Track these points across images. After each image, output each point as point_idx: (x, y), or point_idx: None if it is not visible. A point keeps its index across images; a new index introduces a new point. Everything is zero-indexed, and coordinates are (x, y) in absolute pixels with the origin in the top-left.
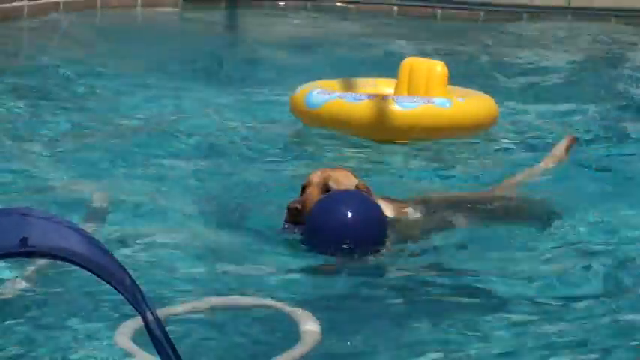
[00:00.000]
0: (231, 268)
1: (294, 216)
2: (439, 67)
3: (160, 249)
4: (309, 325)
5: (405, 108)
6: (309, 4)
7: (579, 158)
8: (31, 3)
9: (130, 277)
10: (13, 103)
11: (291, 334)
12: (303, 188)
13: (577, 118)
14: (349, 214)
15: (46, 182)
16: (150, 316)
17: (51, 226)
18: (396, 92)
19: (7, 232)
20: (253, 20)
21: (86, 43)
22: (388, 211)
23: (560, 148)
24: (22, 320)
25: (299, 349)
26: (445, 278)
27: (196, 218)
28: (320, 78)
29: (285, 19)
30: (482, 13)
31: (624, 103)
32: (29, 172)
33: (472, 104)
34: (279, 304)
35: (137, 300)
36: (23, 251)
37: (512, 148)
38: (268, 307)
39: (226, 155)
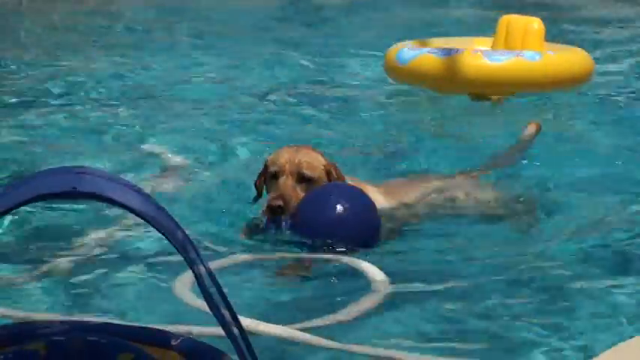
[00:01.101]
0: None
1: (277, 214)
2: (536, 24)
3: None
4: (378, 276)
5: (493, 61)
6: None
7: None
8: None
9: (183, 231)
10: None
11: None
12: (274, 175)
13: None
14: (345, 213)
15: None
16: (202, 270)
17: (106, 179)
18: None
19: (69, 179)
20: None
21: None
22: (380, 198)
23: (526, 135)
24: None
25: (373, 297)
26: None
27: None
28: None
29: None
30: None
31: None
32: None
33: (564, 58)
34: (342, 257)
35: (189, 253)
36: (84, 193)
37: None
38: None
39: None
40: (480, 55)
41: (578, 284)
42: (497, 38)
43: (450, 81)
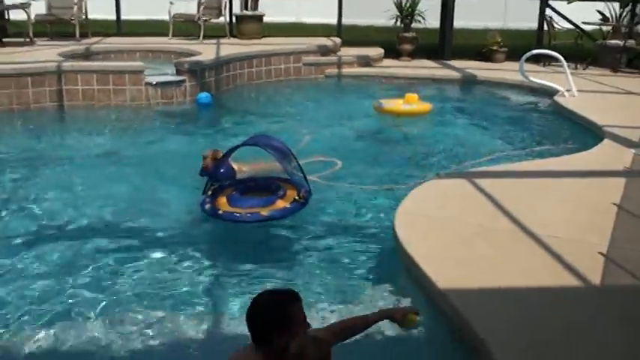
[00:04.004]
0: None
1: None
2: (416, 96)
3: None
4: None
5: (405, 107)
6: None
7: None
8: None
9: (303, 175)
10: None
11: None
12: (204, 157)
13: None
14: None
15: None
16: (307, 190)
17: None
18: None
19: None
20: None
21: None
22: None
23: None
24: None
25: None
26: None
27: None
28: None
29: None
30: None
31: None
32: None
33: (423, 105)
34: None
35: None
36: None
37: None
38: None
39: None
40: (402, 104)
41: None
42: (404, 99)
43: (394, 112)
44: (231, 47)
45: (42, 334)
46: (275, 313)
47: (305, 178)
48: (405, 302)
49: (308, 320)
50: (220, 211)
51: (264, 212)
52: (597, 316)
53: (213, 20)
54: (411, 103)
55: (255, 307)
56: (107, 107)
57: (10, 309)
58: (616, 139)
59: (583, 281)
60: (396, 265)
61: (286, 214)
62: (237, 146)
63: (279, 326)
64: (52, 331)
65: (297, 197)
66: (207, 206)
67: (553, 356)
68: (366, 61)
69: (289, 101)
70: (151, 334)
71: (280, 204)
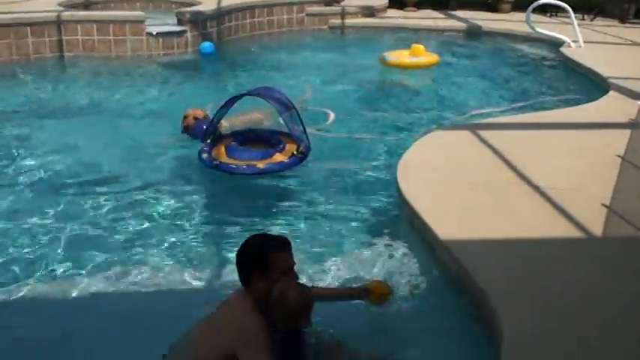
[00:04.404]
0: None
1: (186, 130)
2: (422, 47)
3: None
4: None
5: (412, 60)
6: None
7: None
8: None
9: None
10: None
11: None
12: (185, 117)
13: None
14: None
15: None
16: (306, 145)
17: (270, 90)
18: None
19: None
20: None
21: None
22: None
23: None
24: None
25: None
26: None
27: None
28: None
29: None
30: None
31: None
32: None
33: (431, 57)
34: None
35: (300, 134)
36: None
37: None
38: None
39: None
40: (407, 56)
41: None
42: (411, 51)
43: (400, 65)
44: None
45: (36, 283)
46: (257, 256)
47: (305, 131)
48: (407, 254)
49: (306, 273)
50: (217, 162)
51: (261, 165)
52: (598, 267)
53: None
54: (418, 54)
55: (242, 247)
56: (107, 58)
57: (6, 258)
58: (622, 90)
59: (585, 232)
60: (397, 216)
61: (284, 167)
62: (238, 97)
63: (259, 269)
64: (46, 280)
65: (295, 152)
66: (205, 156)
67: (553, 307)
68: (370, 12)
69: (292, 52)
70: (147, 282)
71: (278, 157)
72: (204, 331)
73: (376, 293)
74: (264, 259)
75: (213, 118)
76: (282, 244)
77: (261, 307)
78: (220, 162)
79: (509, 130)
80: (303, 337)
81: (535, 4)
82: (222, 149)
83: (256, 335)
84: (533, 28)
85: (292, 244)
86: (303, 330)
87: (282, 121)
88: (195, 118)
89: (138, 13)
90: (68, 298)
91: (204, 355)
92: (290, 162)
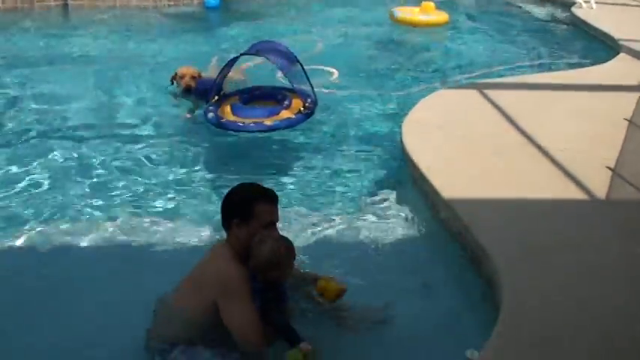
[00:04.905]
0: None
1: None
2: (432, 4)
3: None
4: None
5: (423, 17)
6: None
7: None
8: None
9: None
10: None
11: None
12: (181, 77)
13: None
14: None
15: None
16: (312, 101)
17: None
18: None
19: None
20: None
21: None
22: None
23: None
24: None
25: None
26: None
27: None
28: None
29: None
30: None
31: None
32: None
33: (441, 15)
34: None
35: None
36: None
37: None
38: None
39: None
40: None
41: None
42: (421, 8)
43: (409, 22)
44: None
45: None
46: (238, 204)
47: (311, 86)
48: (410, 210)
49: (309, 227)
50: (223, 120)
51: (268, 122)
52: (600, 228)
53: None
54: (428, 12)
55: (229, 192)
56: (112, 8)
57: (8, 209)
58: (632, 53)
59: (589, 194)
60: (401, 174)
61: (290, 124)
62: (238, 57)
63: (241, 216)
64: (48, 230)
65: (302, 108)
66: (210, 115)
67: (554, 266)
68: None
69: (301, 7)
70: (146, 234)
71: (285, 114)
72: (186, 283)
73: (331, 292)
74: (249, 207)
75: (217, 76)
76: (269, 196)
77: (242, 257)
78: (227, 120)
79: (517, 90)
80: (283, 289)
81: None
82: (228, 108)
83: (236, 284)
84: None
85: (297, 199)
86: (281, 283)
87: (281, 79)
88: (193, 77)
89: None
90: (64, 247)
91: (187, 305)
92: (297, 118)
